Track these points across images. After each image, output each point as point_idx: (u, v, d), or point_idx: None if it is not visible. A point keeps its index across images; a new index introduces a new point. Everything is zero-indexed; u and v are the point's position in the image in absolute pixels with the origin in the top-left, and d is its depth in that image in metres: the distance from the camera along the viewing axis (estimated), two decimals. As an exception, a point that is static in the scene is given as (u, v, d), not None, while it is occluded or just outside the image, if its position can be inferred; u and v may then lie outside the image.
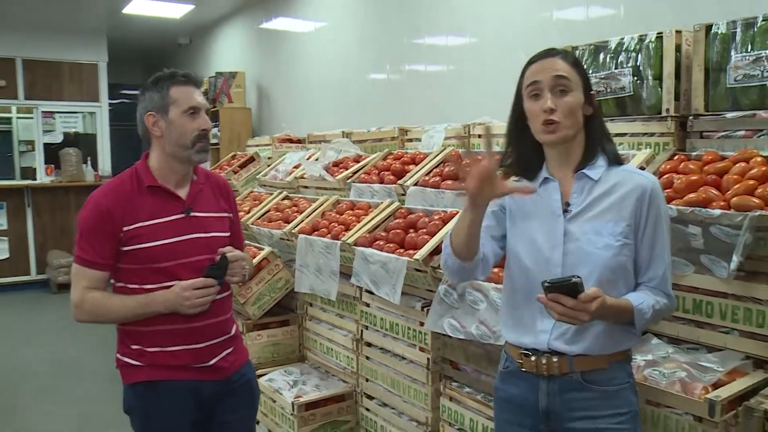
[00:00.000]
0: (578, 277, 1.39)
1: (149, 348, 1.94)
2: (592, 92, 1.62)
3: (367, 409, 2.98)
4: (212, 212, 2.05)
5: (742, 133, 2.11)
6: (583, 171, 1.59)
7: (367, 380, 2.96)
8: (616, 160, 1.62)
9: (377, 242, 2.80)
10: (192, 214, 1.98)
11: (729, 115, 2.14)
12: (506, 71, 1.76)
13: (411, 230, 2.78)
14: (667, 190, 1.98)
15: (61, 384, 4.72)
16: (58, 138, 8.40)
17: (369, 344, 2.94)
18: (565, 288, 1.40)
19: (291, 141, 5.45)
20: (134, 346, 1.95)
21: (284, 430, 3.05)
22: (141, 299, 1.91)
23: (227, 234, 2.08)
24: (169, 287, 1.90)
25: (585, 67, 1.72)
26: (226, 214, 2.09)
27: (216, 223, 2.04)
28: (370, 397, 2.96)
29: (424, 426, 2.60)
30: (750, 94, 2.12)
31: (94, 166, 8.52)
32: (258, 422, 3.36)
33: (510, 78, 1.72)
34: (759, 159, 1.92)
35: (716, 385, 1.70)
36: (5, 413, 4.21)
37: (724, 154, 2.05)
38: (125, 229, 1.89)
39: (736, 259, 1.76)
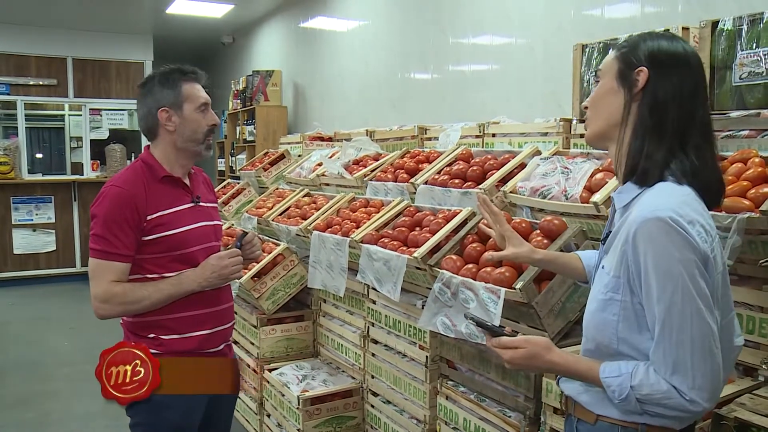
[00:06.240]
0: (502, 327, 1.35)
1: (165, 336, 1.99)
2: (638, 69, 1.23)
3: (372, 406, 2.99)
4: (210, 202, 2.19)
5: (746, 132, 2.04)
6: (614, 193, 1.31)
7: (372, 377, 2.97)
8: (641, 180, 1.23)
9: (382, 240, 2.80)
10: (200, 203, 2.10)
11: (733, 114, 2.07)
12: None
13: (417, 228, 2.78)
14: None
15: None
16: (104, 134, 8.69)
17: (375, 341, 2.95)
18: (483, 325, 1.35)
19: (322, 139, 5.49)
20: (150, 335, 1.99)
21: (291, 423, 3.09)
22: (173, 280, 1.95)
23: (221, 223, 2.20)
24: None
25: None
26: (216, 205, 2.22)
27: (214, 212, 2.18)
28: (375, 394, 2.97)
29: (423, 424, 2.59)
30: (755, 92, 2.05)
31: (138, 162, 8.77)
32: (269, 415, 3.42)
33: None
34: (757, 160, 1.84)
35: (698, 392, 1.64)
36: (40, 396, 4.41)
37: (724, 154, 1.98)
38: (149, 217, 1.93)
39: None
